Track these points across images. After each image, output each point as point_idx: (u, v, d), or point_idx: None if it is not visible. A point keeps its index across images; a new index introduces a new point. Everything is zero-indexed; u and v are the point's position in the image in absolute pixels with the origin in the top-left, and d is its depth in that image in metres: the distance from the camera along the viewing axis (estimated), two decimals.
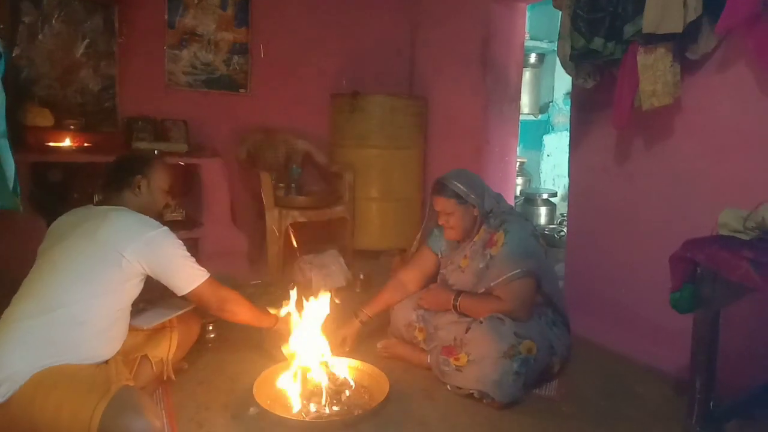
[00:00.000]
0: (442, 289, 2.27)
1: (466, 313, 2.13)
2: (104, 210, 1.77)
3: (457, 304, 2.15)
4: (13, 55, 2.97)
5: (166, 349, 1.94)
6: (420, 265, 2.45)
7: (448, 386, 2.08)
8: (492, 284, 2.12)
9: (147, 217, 1.79)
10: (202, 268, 1.83)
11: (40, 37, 3.07)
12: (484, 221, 2.24)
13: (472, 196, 2.19)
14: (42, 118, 2.99)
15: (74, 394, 1.45)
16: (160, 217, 1.87)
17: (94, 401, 1.42)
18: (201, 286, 1.80)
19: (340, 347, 2.26)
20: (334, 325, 2.25)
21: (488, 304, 2.10)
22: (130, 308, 1.79)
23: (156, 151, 2.87)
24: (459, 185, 2.19)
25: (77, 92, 3.22)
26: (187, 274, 1.79)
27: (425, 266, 2.44)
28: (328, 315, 2.10)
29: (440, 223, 2.28)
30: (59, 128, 3.04)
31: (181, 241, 1.81)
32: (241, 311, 1.93)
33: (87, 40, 3.21)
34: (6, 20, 2.92)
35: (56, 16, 3.10)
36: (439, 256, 2.42)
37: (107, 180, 1.91)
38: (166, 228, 1.78)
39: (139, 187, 1.86)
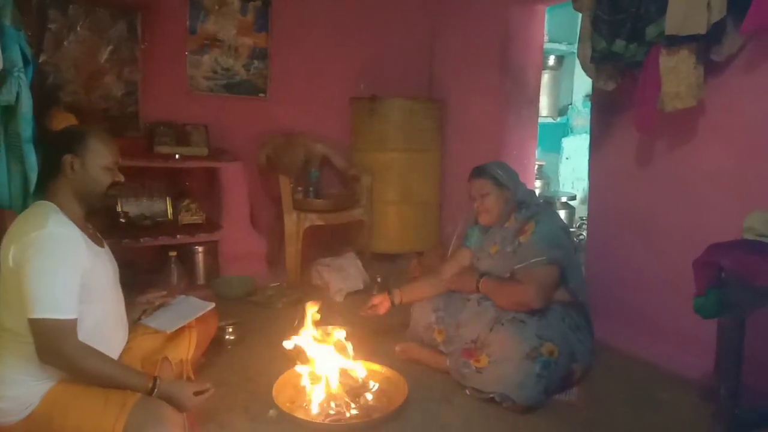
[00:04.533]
0: (469, 272, 2.35)
1: (487, 294, 2.20)
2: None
3: (479, 284, 2.22)
4: (40, 61, 3.03)
5: (186, 350, 1.93)
6: (457, 262, 2.51)
7: (467, 390, 2.07)
8: (515, 267, 2.16)
9: (43, 214, 1.49)
10: (70, 304, 1.44)
11: (65, 43, 3.13)
12: (517, 210, 2.29)
13: (508, 181, 2.31)
14: (67, 123, 3.03)
15: (91, 412, 1.45)
16: (104, 199, 1.67)
17: (113, 417, 1.42)
18: (50, 321, 1.41)
19: (366, 310, 2.43)
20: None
21: (508, 286, 2.16)
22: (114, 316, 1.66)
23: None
24: (497, 170, 2.34)
25: (101, 98, 3.28)
26: (41, 296, 1.41)
27: (462, 263, 2.49)
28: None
29: (475, 206, 2.35)
30: None
31: (68, 255, 1.47)
32: (101, 366, 1.50)
33: (111, 47, 3.26)
34: (33, 27, 2.98)
35: (81, 23, 3.16)
36: (472, 249, 2.49)
37: (41, 167, 1.71)
38: (52, 231, 1.45)
39: (72, 168, 1.58)
